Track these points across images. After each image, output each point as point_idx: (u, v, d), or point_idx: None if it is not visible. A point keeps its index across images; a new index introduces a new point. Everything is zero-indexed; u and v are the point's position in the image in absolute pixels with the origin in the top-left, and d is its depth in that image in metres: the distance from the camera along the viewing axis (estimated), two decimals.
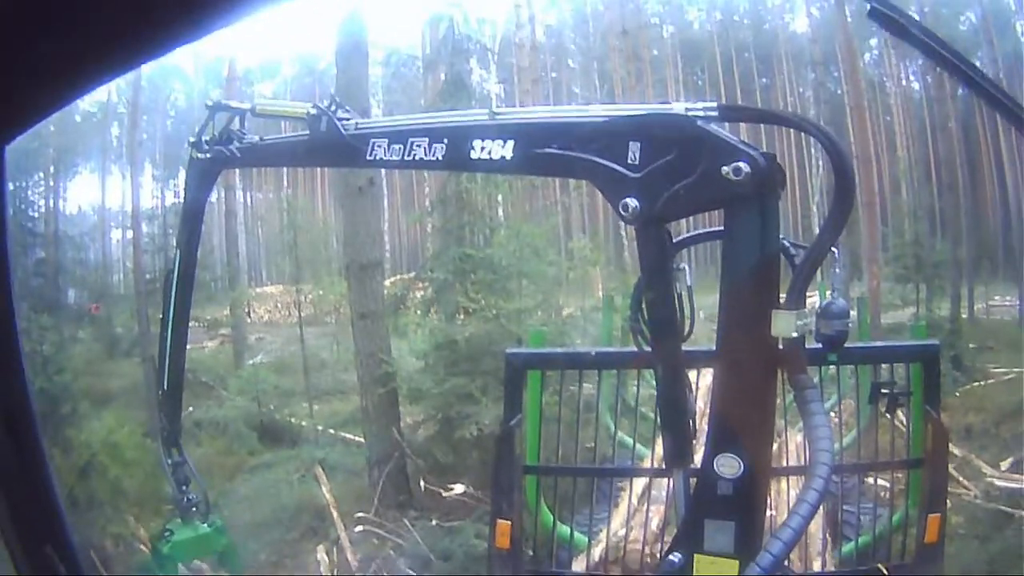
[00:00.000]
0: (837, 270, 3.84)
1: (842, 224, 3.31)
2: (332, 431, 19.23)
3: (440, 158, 4.43)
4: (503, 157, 4.11)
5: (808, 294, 3.39)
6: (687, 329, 4.12)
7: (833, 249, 3.49)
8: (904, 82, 30.68)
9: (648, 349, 4.10)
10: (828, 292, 3.64)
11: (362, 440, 16.95)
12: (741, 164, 3.29)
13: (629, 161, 3.60)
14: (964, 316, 24.36)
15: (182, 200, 7.89)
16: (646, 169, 3.55)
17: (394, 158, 4.77)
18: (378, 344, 15.92)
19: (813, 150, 26.84)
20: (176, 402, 8.00)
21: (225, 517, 10.18)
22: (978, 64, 21.83)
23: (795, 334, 3.30)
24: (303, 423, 19.95)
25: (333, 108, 4.94)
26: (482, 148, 4.17)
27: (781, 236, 3.53)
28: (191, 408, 18.34)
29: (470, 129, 4.26)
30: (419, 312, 18.34)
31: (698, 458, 3.98)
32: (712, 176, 3.35)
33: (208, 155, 6.06)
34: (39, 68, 1.89)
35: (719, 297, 3.47)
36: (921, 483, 6.86)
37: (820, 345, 3.54)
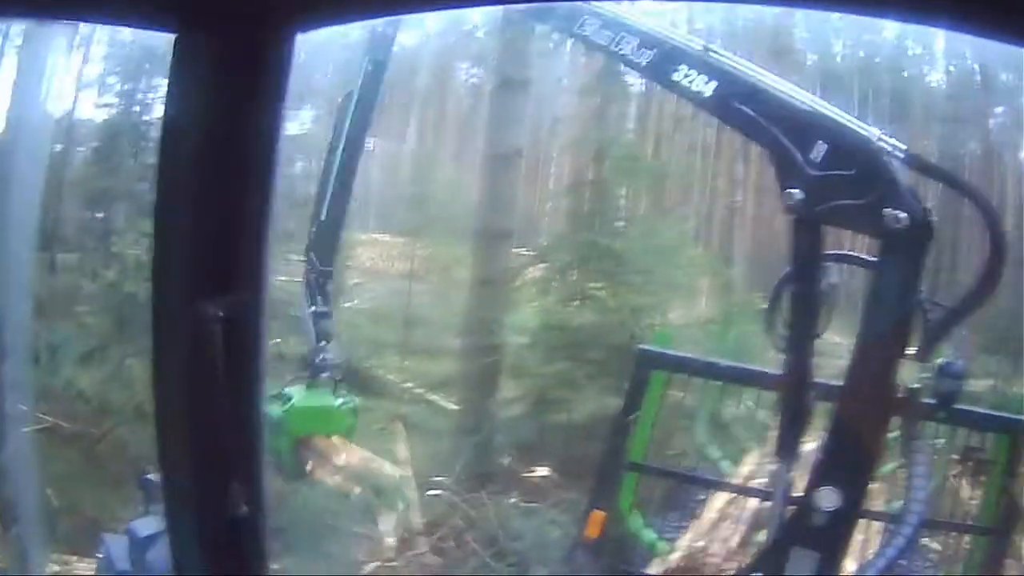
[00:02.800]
0: (963, 332, 4.02)
1: (988, 296, 3.46)
2: (420, 390, 19.20)
3: (644, 63, 4.60)
4: (700, 93, 4.28)
5: None
6: (822, 327, 4.23)
7: None
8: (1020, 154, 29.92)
9: (780, 344, 4.21)
10: (948, 353, 3.78)
11: (448, 405, 17.18)
12: (902, 213, 3.48)
13: (811, 156, 3.75)
14: None
15: None
16: (823, 171, 3.72)
17: (601, 41, 4.95)
18: (493, 313, 16.15)
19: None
20: (333, 239, 7.73)
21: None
22: None
23: (918, 385, 3.46)
24: (390, 376, 19.59)
25: None
26: (686, 76, 4.35)
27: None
28: (277, 339, 18.53)
29: (683, 52, 4.40)
30: (535, 290, 18.38)
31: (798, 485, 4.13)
32: (875, 210, 3.54)
33: None
34: None
35: (856, 335, 3.63)
36: (984, 552, 6.92)
37: (934, 400, 3.76)
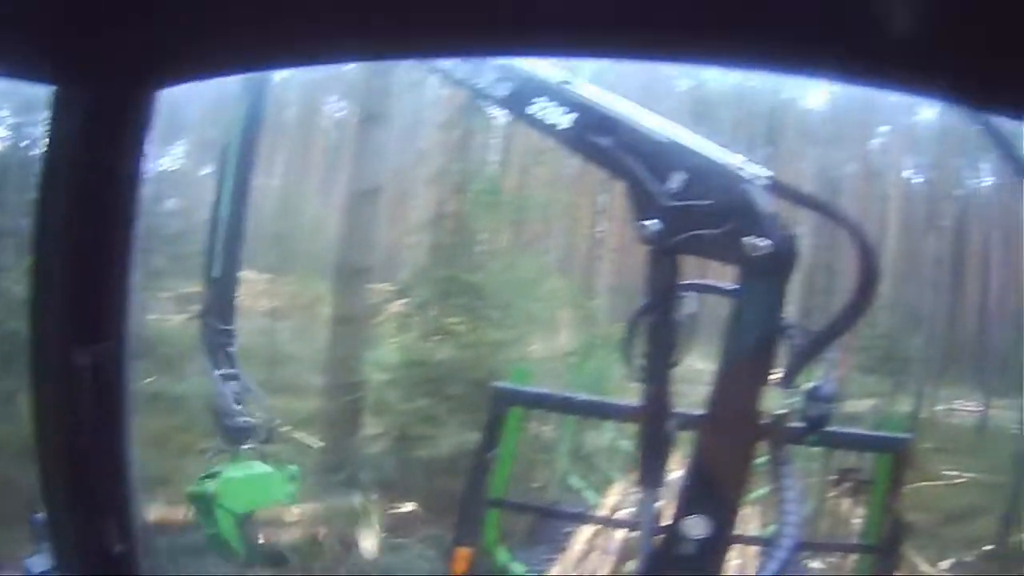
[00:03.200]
0: (830, 355, 3.87)
1: (855, 322, 3.53)
2: (286, 428, 19.01)
3: (501, 96, 4.57)
4: (556, 125, 4.17)
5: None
6: (680, 357, 4.07)
7: None
8: (903, 174, 31.07)
9: (638, 375, 4.24)
10: (817, 376, 3.73)
11: (313, 443, 16.99)
12: (762, 242, 3.43)
13: (669, 186, 3.68)
14: (925, 416, 24.41)
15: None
16: (680, 202, 3.65)
17: (459, 75, 4.91)
18: (353, 351, 16.09)
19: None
20: (230, 295, 7.14)
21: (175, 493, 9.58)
22: None
23: (784, 410, 3.48)
24: (258, 414, 19.38)
25: None
26: (542, 108, 4.22)
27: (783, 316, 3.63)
28: (153, 377, 18.29)
29: (540, 84, 4.30)
30: (396, 326, 18.46)
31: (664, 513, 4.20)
32: (733, 239, 3.49)
33: None
34: (230, 27, 1.95)
35: (717, 362, 3.62)
36: (870, 570, 7.12)
37: (803, 424, 3.65)
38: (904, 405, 23.57)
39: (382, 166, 16.70)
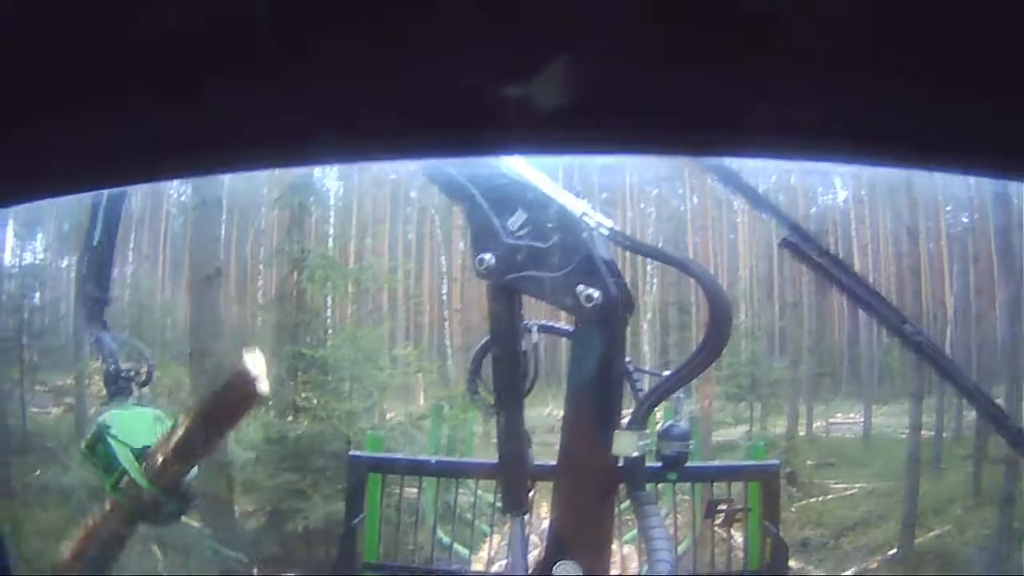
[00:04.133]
0: (680, 395, 3.88)
1: (705, 367, 3.51)
2: None
3: None
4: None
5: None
6: (530, 386, 4.09)
7: None
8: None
9: (487, 412, 4.22)
10: (672, 414, 3.84)
11: (196, 523, 17.02)
12: (594, 292, 3.39)
13: (509, 222, 3.63)
14: (803, 434, 25.03)
15: None
16: (518, 241, 3.61)
17: None
18: None
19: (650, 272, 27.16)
20: (106, 264, 7.20)
21: None
22: None
23: (636, 454, 3.42)
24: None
25: None
26: None
27: (626, 359, 3.69)
28: (38, 471, 18.20)
29: None
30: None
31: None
32: (567, 285, 3.45)
33: None
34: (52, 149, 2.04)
35: (564, 408, 3.60)
36: None
37: (660, 464, 3.72)
38: (778, 428, 24.08)
39: (221, 249, 16.76)
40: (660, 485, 8.44)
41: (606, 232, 3.56)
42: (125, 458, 6.82)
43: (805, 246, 3.10)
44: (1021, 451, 3.05)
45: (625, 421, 3.56)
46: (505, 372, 4.04)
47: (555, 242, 3.55)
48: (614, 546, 10.00)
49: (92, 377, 24.78)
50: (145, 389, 7.18)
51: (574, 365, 3.62)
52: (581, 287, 3.40)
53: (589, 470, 3.58)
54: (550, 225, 3.57)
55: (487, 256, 3.60)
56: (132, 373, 7.34)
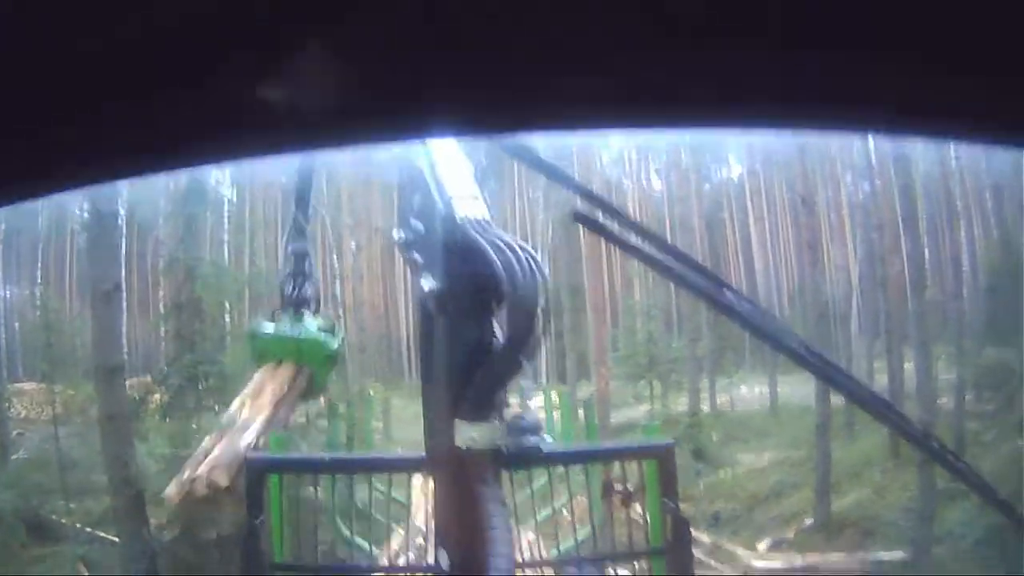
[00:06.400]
0: (523, 383, 3.75)
1: (517, 367, 3.36)
2: (89, 529, 19.33)
3: None
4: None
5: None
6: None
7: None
8: (644, 180, 32.07)
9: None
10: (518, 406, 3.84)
11: (113, 538, 17.33)
12: (431, 281, 3.28)
13: (413, 204, 3.62)
14: (707, 409, 25.16)
15: None
16: (417, 222, 3.55)
17: None
18: (124, 446, 16.27)
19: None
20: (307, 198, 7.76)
21: None
22: None
23: (472, 446, 3.14)
24: (63, 520, 19.95)
25: None
26: None
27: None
28: None
29: None
30: (158, 416, 18.75)
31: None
32: (419, 272, 3.35)
33: None
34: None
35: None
36: (665, 570, 7.52)
37: (514, 454, 3.25)
38: (681, 404, 24.14)
39: (121, 263, 16.94)
40: (563, 468, 8.76)
41: (472, 222, 3.15)
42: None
43: (601, 218, 2.57)
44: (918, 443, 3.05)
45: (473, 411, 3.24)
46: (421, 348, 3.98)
47: (429, 227, 3.52)
48: (516, 532, 10.42)
49: (9, 400, 24.90)
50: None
51: (425, 353, 3.60)
52: (425, 274, 3.35)
53: (440, 461, 3.47)
54: (433, 210, 3.45)
55: (396, 232, 3.66)
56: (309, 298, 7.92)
